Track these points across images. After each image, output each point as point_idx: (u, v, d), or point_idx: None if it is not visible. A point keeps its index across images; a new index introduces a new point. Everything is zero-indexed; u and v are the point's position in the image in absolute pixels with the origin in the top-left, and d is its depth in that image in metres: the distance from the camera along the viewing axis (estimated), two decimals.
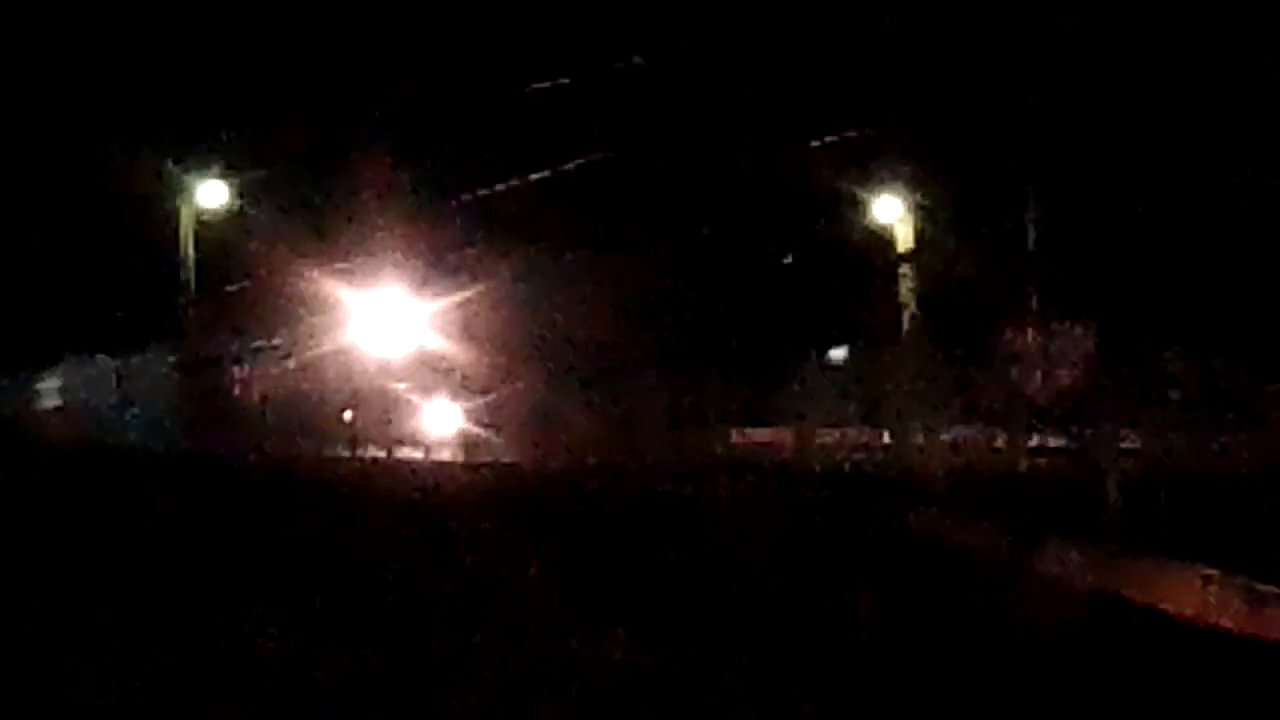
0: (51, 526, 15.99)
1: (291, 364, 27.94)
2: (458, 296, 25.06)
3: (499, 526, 15.43)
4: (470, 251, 26.04)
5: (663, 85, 22.74)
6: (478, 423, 23.67)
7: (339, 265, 25.74)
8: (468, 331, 24.83)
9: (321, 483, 20.19)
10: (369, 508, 17.26)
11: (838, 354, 22.66)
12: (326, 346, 25.80)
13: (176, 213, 26.79)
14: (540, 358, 23.79)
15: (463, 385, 24.56)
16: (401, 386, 25.25)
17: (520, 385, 23.14)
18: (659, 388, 21.06)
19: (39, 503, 17.44)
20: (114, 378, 30.52)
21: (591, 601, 11.79)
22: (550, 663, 10.17)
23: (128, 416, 29.14)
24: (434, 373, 25.22)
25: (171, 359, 28.22)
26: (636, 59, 23.00)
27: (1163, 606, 12.12)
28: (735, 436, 21.79)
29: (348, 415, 25.71)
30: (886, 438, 19.74)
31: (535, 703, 9.41)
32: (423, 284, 25.78)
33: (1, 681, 10.01)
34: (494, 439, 23.09)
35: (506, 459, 22.06)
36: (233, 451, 24.63)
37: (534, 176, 24.59)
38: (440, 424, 24.54)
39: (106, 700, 9.80)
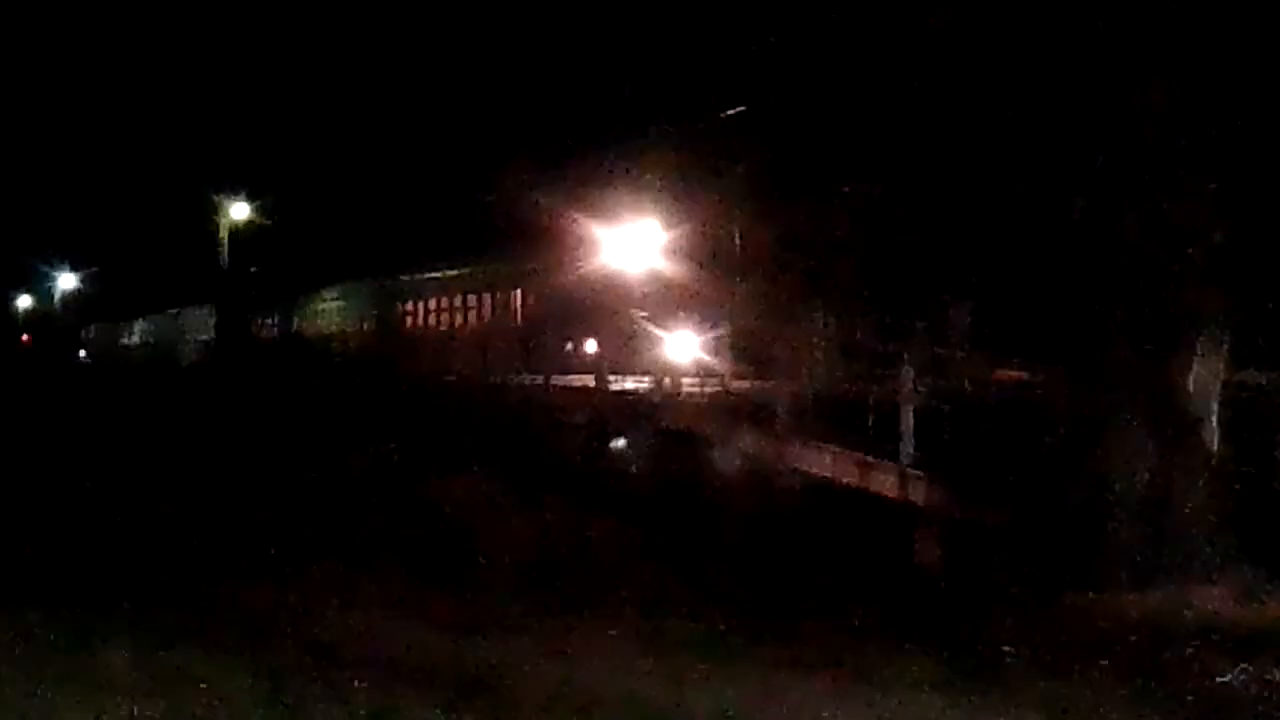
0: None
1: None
2: (683, 228, 23.60)
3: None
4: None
5: None
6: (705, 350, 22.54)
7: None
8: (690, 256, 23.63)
9: None
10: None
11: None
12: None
13: (216, 223, 36.97)
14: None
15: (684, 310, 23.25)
16: (641, 314, 24.18)
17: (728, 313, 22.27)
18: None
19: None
20: (177, 323, 42.77)
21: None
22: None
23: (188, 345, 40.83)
24: (667, 296, 23.78)
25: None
26: None
27: (811, 469, 17.05)
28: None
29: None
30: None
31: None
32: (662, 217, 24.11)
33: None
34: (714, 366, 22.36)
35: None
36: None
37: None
38: (678, 352, 22.90)
39: None
